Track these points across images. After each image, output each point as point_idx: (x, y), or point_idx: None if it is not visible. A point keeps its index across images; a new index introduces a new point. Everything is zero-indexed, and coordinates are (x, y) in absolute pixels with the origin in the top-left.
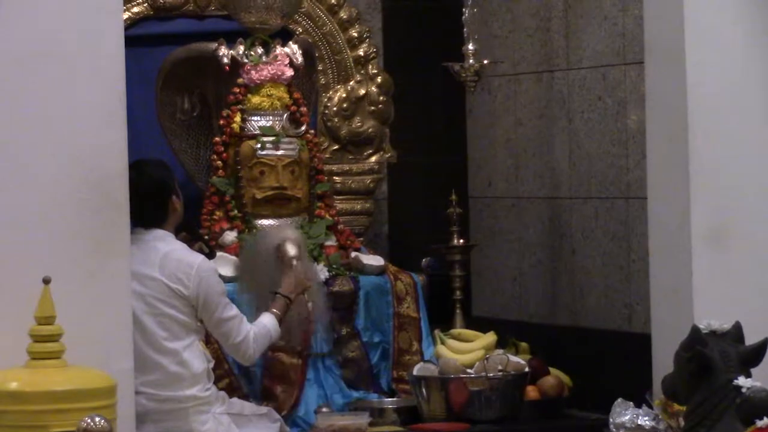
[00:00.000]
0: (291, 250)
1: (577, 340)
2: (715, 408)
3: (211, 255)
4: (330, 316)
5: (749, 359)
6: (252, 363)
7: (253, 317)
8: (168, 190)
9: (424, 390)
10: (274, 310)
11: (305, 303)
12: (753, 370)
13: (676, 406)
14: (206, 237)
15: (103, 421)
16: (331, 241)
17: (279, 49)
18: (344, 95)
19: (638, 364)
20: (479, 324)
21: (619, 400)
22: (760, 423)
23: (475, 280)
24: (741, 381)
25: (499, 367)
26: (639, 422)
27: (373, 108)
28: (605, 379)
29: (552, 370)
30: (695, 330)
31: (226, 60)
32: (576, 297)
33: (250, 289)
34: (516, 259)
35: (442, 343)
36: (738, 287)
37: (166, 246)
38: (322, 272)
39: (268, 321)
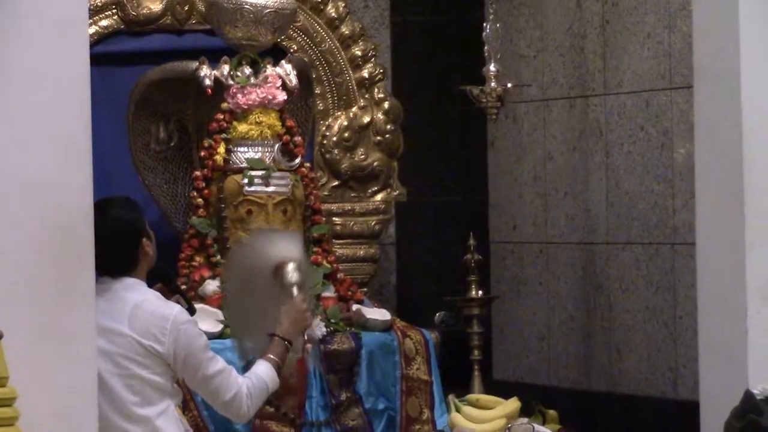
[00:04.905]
0: (293, 275)
1: (614, 409)
2: None
3: (190, 311)
4: (325, 367)
5: None
6: (247, 421)
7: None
8: (137, 232)
9: None
10: (272, 356)
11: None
12: None
13: None
14: (185, 286)
15: None
16: (330, 292)
17: (270, 70)
18: (346, 123)
19: None
20: (501, 389)
21: None
22: None
23: (497, 337)
24: None
25: None
26: None
27: (379, 138)
28: None
29: None
30: (749, 396)
31: (208, 81)
32: (613, 358)
33: (243, 329)
34: (544, 314)
35: (458, 410)
36: None
37: (136, 296)
38: (319, 328)
39: (264, 371)
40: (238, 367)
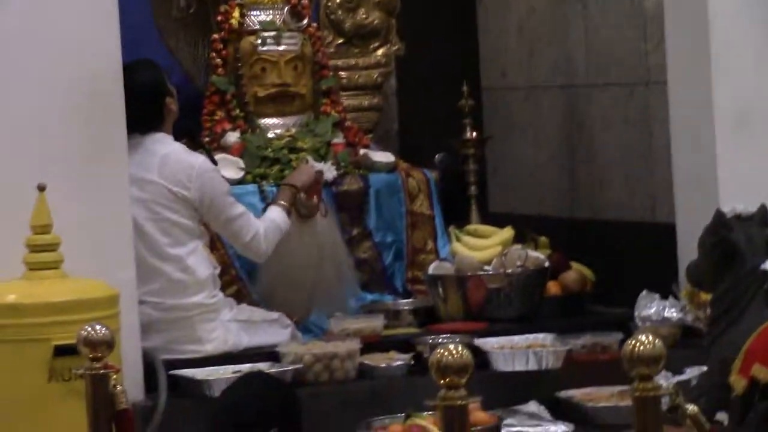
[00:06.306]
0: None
1: (598, 233)
2: (742, 295)
3: (213, 164)
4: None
5: None
6: (265, 259)
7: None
8: (161, 91)
9: (440, 289)
10: (281, 202)
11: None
12: None
13: (703, 297)
14: (207, 138)
15: (104, 329)
16: (339, 139)
17: None
18: None
19: (663, 255)
20: (496, 220)
21: (644, 292)
22: None
23: (491, 174)
24: None
25: (518, 263)
26: (665, 314)
27: None
28: (629, 272)
29: (573, 264)
30: (719, 214)
31: None
32: (596, 189)
33: None
34: (532, 151)
35: (458, 240)
36: (764, 170)
37: (164, 148)
38: (330, 171)
39: (275, 215)
40: (257, 212)
